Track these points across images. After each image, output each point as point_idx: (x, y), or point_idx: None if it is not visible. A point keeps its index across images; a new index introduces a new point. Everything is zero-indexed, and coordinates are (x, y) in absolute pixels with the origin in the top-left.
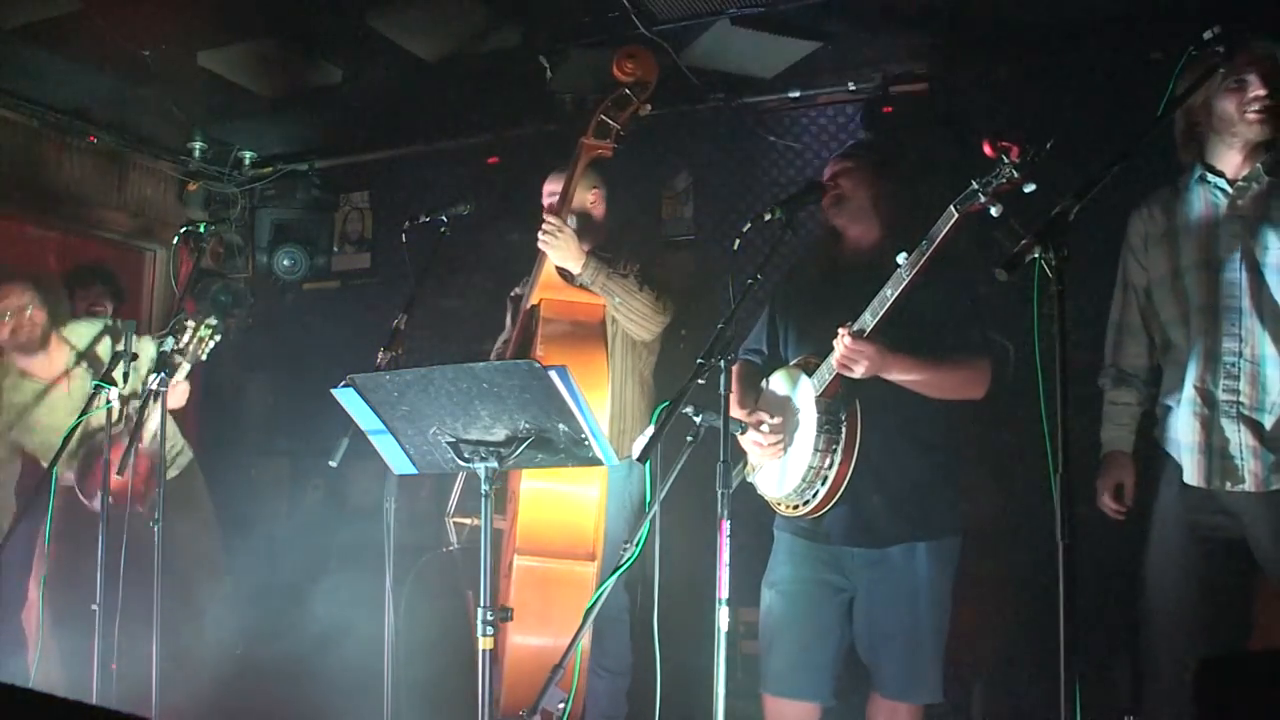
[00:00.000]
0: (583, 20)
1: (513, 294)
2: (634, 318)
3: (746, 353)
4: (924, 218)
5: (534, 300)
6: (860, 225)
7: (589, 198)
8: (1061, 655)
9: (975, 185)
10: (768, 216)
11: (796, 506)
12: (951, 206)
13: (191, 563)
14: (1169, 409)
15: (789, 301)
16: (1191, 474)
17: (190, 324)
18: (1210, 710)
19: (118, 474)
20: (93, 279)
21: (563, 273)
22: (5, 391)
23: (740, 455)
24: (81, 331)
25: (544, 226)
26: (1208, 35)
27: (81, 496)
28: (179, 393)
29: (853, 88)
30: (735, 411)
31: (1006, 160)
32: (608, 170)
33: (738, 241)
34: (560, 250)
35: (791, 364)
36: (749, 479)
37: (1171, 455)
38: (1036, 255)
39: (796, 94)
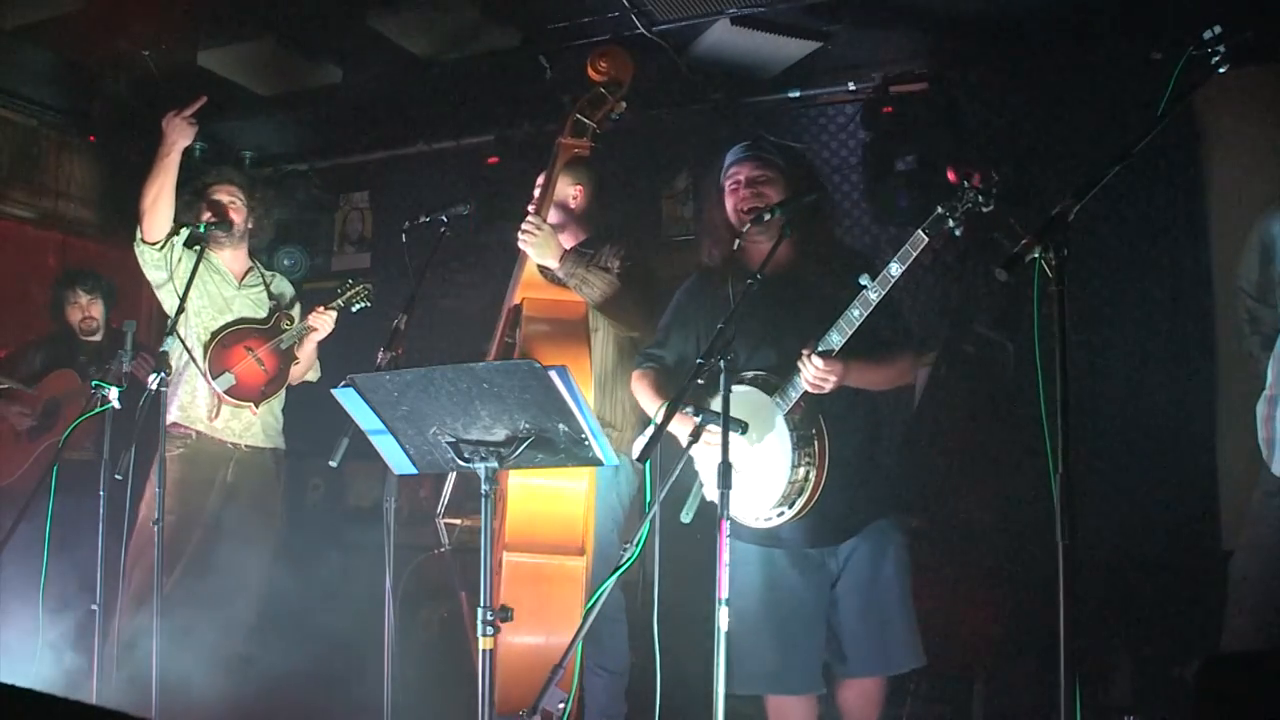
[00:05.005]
0: (583, 20)
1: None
2: (615, 312)
3: (647, 359)
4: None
5: (516, 299)
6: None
7: (571, 192)
8: (1061, 655)
9: (942, 210)
10: (767, 216)
11: (770, 519)
12: (920, 231)
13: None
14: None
15: (713, 314)
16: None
17: (350, 281)
18: (1211, 708)
19: (117, 475)
20: (84, 281)
21: (544, 270)
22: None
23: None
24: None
25: (523, 225)
26: (1208, 35)
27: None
28: (325, 322)
29: (853, 88)
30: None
31: (968, 185)
32: (593, 167)
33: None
34: (539, 247)
35: (748, 381)
36: (706, 498)
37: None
38: (1036, 255)
39: (796, 94)
